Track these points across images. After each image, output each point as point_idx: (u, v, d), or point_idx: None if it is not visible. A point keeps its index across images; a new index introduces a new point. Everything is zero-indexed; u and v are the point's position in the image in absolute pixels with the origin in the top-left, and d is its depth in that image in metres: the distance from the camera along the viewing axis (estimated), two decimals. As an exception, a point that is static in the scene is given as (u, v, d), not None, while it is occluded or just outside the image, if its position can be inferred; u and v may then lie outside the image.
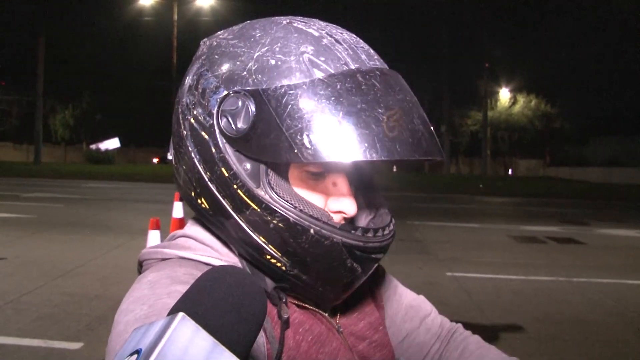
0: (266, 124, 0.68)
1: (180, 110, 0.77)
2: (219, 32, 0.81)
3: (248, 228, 0.73)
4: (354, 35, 0.78)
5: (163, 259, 0.80)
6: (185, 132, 0.76)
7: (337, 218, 0.77)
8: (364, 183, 0.88)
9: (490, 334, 4.67)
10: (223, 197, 0.73)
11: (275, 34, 0.73)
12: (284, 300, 0.76)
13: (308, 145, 0.65)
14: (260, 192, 0.71)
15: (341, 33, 0.76)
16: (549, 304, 5.72)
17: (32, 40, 40.64)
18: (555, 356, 4.31)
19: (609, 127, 47.60)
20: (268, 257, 0.73)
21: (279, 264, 0.73)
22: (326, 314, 0.85)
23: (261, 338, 0.72)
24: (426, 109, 0.75)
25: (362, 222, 0.86)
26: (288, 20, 0.76)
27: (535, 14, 52.58)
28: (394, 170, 44.03)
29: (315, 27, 0.75)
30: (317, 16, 0.82)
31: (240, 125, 0.70)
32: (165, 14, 37.80)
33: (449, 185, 26.85)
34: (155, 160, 53.48)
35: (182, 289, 0.69)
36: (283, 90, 0.67)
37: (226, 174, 0.72)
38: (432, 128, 0.73)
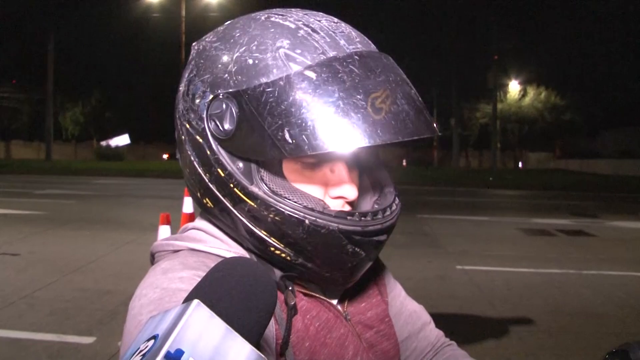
0: (249, 124, 0.70)
1: (177, 116, 0.80)
2: (207, 35, 0.82)
3: (250, 223, 0.75)
4: (335, 20, 0.78)
5: (175, 251, 0.82)
6: (183, 137, 0.79)
7: (339, 204, 0.78)
8: (369, 162, 0.88)
9: (500, 327, 4.68)
10: (224, 197, 0.76)
11: (252, 31, 0.74)
12: (290, 288, 0.77)
13: (289, 141, 0.66)
14: (255, 189, 0.73)
15: (319, 21, 0.75)
16: (560, 296, 5.71)
17: (41, 38, 40.86)
18: (565, 349, 4.30)
19: (619, 119, 47.15)
20: (272, 249, 0.75)
21: (283, 255, 0.75)
22: (334, 302, 0.86)
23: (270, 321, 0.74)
24: (417, 89, 0.74)
25: (368, 203, 0.87)
26: (266, 15, 0.76)
27: (544, 5, 52.15)
28: (404, 164, 43.95)
29: (293, 19, 0.75)
30: (324, 8, 0.82)
31: (227, 127, 0.72)
32: (173, 10, 37.85)
33: (459, 178, 26.75)
34: (165, 156, 53.59)
35: (194, 274, 0.71)
36: (262, 88, 0.69)
37: (222, 175, 0.74)
38: (421, 105, 0.73)
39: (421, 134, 0.70)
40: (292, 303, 0.76)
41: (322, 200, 0.75)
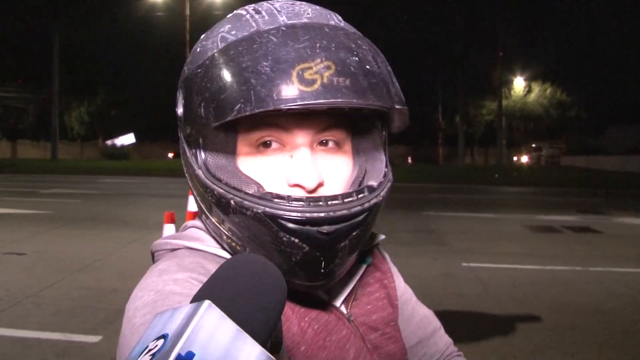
0: (186, 106, 0.73)
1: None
2: None
3: (206, 210, 0.76)
4: (295, 2, 0.75)
5: (173, 250, 0.82)
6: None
7: (299, 193, 0.71)
8: (367, 150, 0.82)
9: (506, 324, 4.66)
10: (192, 187, 0.78)
11: (216, 25, 0.77)
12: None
13: (202, 115, 0.68)
14: (199, 172, 0.73)
15: (272, 4, 0.74)
16: (566, 293, 5.69)
17: (46, 38, 41.00)
18: (572, 346, 4.28)
19: (626, 115, 46.95)
20: (225, 237, 0.75)
21: (233, 244, 0.74)
22: (337, 304, 0.85)
23: None
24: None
25: None
26: (235, 11, 0.78)
27: (550, 1, 51.95)
28: (409, 161, 43.89)
29: (249, 7, 0.76)
30: (326, 4, 0.81)
31: (179, 113, 0.75)
32: (177, 9, 37.91)
33: (464, 175, 26.70)
34: (170, 154, 53.70)
35: (189, 276, 0.71)
36: (193, 72, 0.72)
37: (184, 161, 0.78)
38: (361, 71, 0.66)
39: (350, 101, 0.63)
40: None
41: (258, 183, 0.71)
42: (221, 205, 0.71)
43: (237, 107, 0.63)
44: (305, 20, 0.70)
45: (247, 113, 0.63)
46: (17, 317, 4.62)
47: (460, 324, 4.60)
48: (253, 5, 0.76)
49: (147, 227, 9.05)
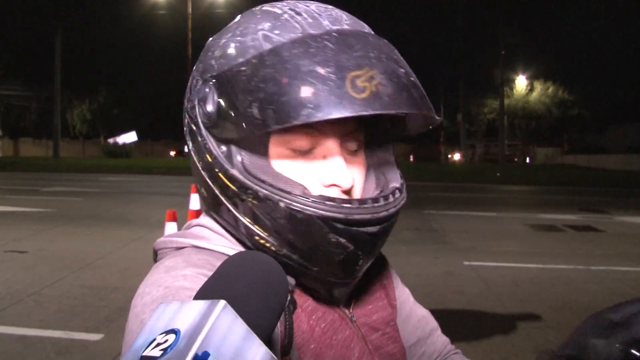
0: (226, 104, 0.70)
1: (184, 108, 0.81)
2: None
3: (235, 210, 0.74)
4: (328, 6, 0.77)
5: (178, 248, 0.81)
6: (185, 128, 0.80)
7: (334, 192, 0.73)
8: (376, 154, 0.84)
9: (508, 323, 4.66)
10: (213, 183, 0.75)
11: (242, 19, 0.76)
12: (293, 283, 0.76)
13: (258, 117, 0.65)
14: (235, 172, 0.72)
15: (307, 6, 0.74)
16: (568, 292, 5.68)
17: (49, 36, 41.04)
18: (574, 345, 4.28)
19: (628, 114, 46.91)
20: (257, 238, 0.73)
21: (267, 245, 0.73)
22: (340, 304, 0.85)
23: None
24: (423, 85, 0.73)
25: (371, 194, 0.82)
26: (259, 7, 0.77)
27: (551, 0, 51.86)
28: (411, 160, 43.89)
29: (280, 5, 0.75)
30: (333, 2, 0.81)
31: (209, 109, 0.72)
32: (179, 8, 37.93)
33: (466, 173, 26.69)
34: (172, 153, 53.81)
35: (198, 272, 0.70)
36: (237, 68, 0.69)
37: (210, 160, 0.74)
38: (409, 82, 0.69)
39: (389, 109, 0.65)
40: (291, 307, 0.73)
41: (302, 185, 0.72)
42: (266, 206, 0.70)
43: (305, 112, 0.63)
44: (346, 27, 0.72)
45: (318, 119, 0.62)
46: (18, 315, 4.63)
47: (461, 323, 4.61)
48: (284, 3, 0.76)
49: (149, 225, 9.06)
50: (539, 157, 51.64)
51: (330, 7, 0.76)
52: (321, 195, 0.71)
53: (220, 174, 0.73)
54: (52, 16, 39.53)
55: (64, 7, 39.86)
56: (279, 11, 0.73)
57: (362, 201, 0.71)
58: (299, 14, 0.72)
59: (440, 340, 1.06)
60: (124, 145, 48.17)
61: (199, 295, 0.51)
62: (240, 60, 0.69)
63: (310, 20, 0.71)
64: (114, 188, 16.92)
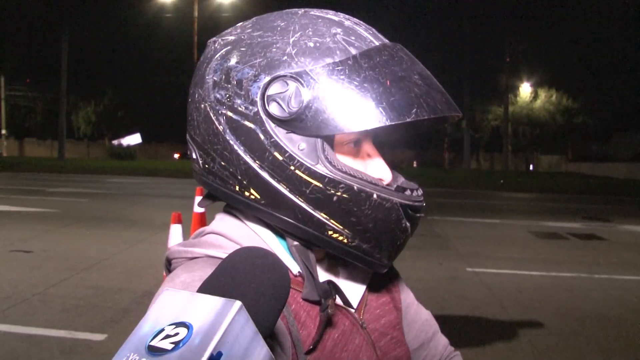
0: (320, 101, 0.71)
1: (209, 107, 0.77)
2: (229, 30, 0.82)
3: (309, 207, 0.74)
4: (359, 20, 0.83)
5: (192, 258, 0.79)
6: (221, 127, 0.76)
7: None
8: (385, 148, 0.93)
9: (511, 329, 4.66)
10: (278, 182, 0.74)
11: (300, 21, 0.77)
12: (334, 296, 0.78)
13: (368, 113, 0.71)
14: (321, 167, 0.73)
15: (349, 19, 0.81)
16: (570, 300, 5.68)
17: (55, 38, 41.21)
18: (576, 352, 4.28)
19: (633, 122, 46.70)
20: (330, 232, 0.76)
21: (340, 237, 0.76)
22: (352, 310, 0.85)
23: (283, 327, 0.73)
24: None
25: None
26: (304, 10, 0.80)
27: (556, 8, 51.79)
28: (415, 165, 43.82)
29: (332, 14, 0.80)
30: (336, 5, 0.85)
31: (293, 105, 0.72)
32: (186, 11, 38.04)
33: (470, 180, 26.64)
34: (176, 155, 53.81)
35: None
36: (331, 67, 0.72)
37: (280, 158, 0.73)
38: (442, 93, 0.79)
39: (458, 111, 0.78)
40: (332, 312, 0.77)
41: (379, 177, 0.79)
42: (358, 199, 0.74)
43: (414, 111, 0.71)
44: (385, 40, 0.80)
45: (425, 117, 0.72)
46: (24, 314, 4.66)
47: (464, 329, 4.60)
48: (335, 13, 0.81)
49: (154, 228, 9.08)
50: (543, 165, 51.50)
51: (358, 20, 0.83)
52: (399, 186, 0.82)
53: (299, 172, 0.73)
54: (59, 18, 39.71)
55: (70, 10, 40.05)
56: (336, 18, 0.79)
57: (416, 189, 0.83)
58: (357, 24, 0.79)
59: (442, 342, 1.07)
60: (129, 147, 48.26)
61: (209, 289, 0.52)
62: (329, 60, 0.73)
63: (370, 32, 0.79)
64: (118, 190, 16.96)
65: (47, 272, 6.01)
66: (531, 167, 49.96)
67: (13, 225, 9.12)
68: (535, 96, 48.35)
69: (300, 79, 0.72)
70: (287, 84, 0.72)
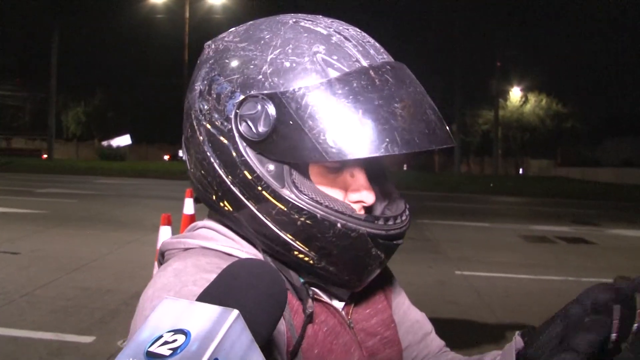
0: (287, 126, 0.69)
1: (194, 116, 0.78)
2: (223, 35, 0.82)
3: (275, 227, 0.74)
4: (359, 30, 0.80)
5: (186, 249, 0.81)
6: (202, 137, 0.77)
7: (356, 208, 0.78)
8: (376, 171, 0.89)
9: (499, 333, 4.68)
10: (248, 199, 0.74)
11: (284, 35, 0.74)
12: (311, 295, 0.78)
13: (332, 145, 0.67)
14: (286, 192, 0.72)
15: (347, 29, 0.77)
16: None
17: (45, 37, 40.95)
18: (564, 356, 4.30)
19: (622, 127, 47.12)
20: (296, 252, 0.75)
21: (306, 258, 0.75)
22: (340, 309, 0.86)
23: (282, 326, 0.74)
24: (438, 103, 0.78)
25: (378, 209, 0.87)
26: (294, 20, 0.77)
27: (547, 13, 52.20)
28: (404, 168, 43.92)
29: (323, 25, 0.76)
30: (328, 11, 0.84)
31: (261, 128, 0.71)
32: (177, 12, 37.96)
33: (460, 184, 26.72)
34: (166, 157, 53.63)
35: (208, 277, 0.69)
36: (302, 92, 0.69)
37: (249, 177, 0.73)
38: (441, 116, 0.75)
39: (447, 143, 0.73)
40: (310, 311, 0.76)
41: (349, 204, 0.77)
42: (321, 226, 0.73)
43: (384, 146, 0.67)
44: (387, 57, 0.77)
45: (396, 153, 0.67)
46: (11, 316, 4.61)
47: (453, 332, 4.61)
48: (321, 21, 0.77)
49: (144, 229, 9.04)
50: (532, 169, 51.78)
51: (359, 31, 0.79)
52: (369, 215, 0.77)
53: (265, 193, 0.73)
54: (49, 17, 39.49)
55: (61, 8, 39.83)
56: (325, 32, 0.75)
57: (395, 218, 0.80)
58: (347, 39, 0.75)
59: (435, 343, 1.07)
60: (118, 148, 48.04)
61: (207, 298, 0.52)
62: (303, 83, 0.70)
63: (360, 48, 0.74)
64: (108, 190, 16.87)
65: (35, 273, 5.97)
66: (521, 172, 50.22)
67: (0, 225, 9.03)
68: (525, 101, 48.71)
69: (270, 101, 0.70)
70: (258, 105, 0.71)
